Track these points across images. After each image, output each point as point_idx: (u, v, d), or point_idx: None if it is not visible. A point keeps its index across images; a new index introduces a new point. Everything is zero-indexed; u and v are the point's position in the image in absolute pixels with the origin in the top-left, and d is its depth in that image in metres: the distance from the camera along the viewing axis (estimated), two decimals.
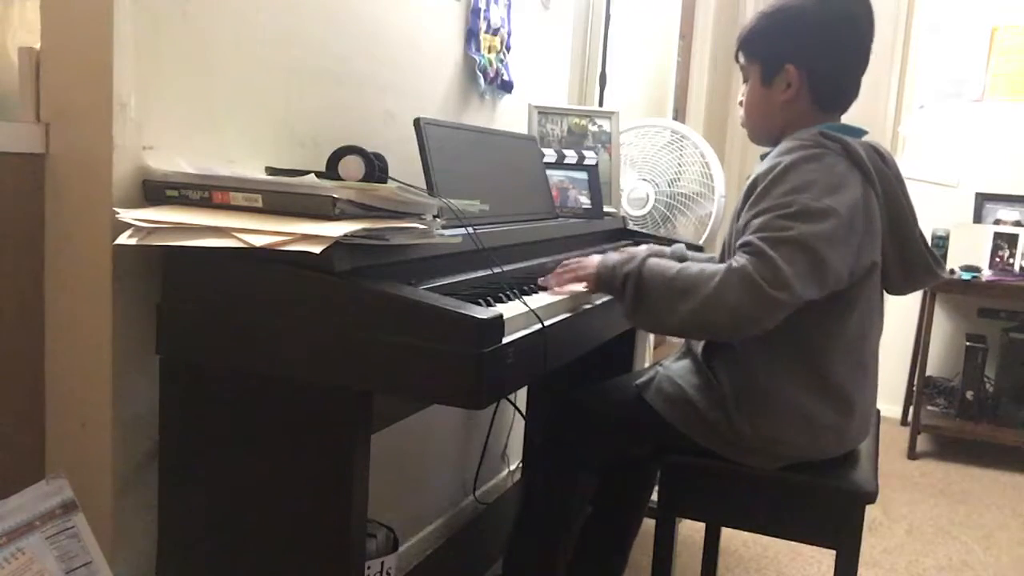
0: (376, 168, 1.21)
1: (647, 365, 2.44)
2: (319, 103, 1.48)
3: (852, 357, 1.39)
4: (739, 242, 1.27)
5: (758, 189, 1.31)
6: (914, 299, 3.63)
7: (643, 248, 1.34)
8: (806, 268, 1.22)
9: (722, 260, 1.46)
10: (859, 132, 1.41)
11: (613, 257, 1.36)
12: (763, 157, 1.46)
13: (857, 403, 1.40)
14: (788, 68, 1.41)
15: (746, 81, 1.51)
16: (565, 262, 1.43)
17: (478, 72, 1.98)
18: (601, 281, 1.35)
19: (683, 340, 1.55)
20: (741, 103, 1.53)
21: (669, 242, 1.86)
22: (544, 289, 1.39)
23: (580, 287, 1.39)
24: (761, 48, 1.46)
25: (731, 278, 1.21)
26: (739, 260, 1.23)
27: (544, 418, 1.62)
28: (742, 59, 1.50)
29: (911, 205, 1.43)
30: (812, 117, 1.43)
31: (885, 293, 1.47)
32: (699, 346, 1.48)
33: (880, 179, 1.37)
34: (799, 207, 1.24)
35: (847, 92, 1.44)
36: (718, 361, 1.43)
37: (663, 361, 1.58)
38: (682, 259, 1.71)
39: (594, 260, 1.38)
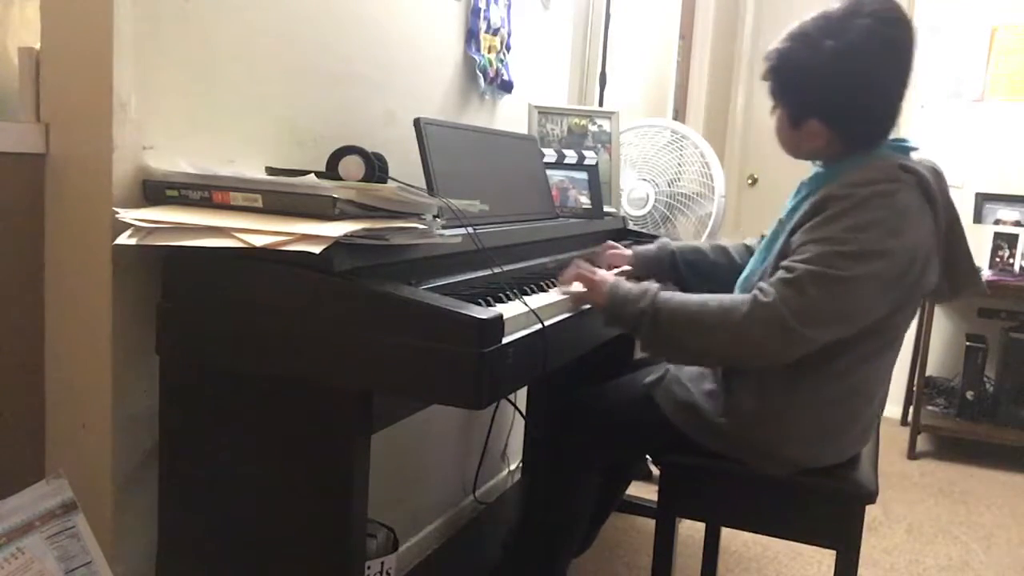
0: (376, 168, 1.21)
1: None
2: (319, 103, 1.48)
3: (879, 368, 1.39)
4: (784, 263, 1.25)
5: (826, 212, 1.25)
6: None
7: (651, 284, 1.33)
8: (841, 310, 1.22)
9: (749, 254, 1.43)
10: (911, 149, 1.36)
11: (623, 287, 1.32)
12: (822, 168, 1.40)
13: (870, 411, 1.41)
14: (813, 122, 1.33)
15: (775, 108, 1.40)
16: (577, 263, 1.42)
17: (478, 72, 1.98)
18: (610, 314, 1.32)
19: None
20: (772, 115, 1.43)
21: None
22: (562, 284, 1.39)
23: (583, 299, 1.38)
24: (786, 92, 1.36)
25: (759, 313, 1.20)
26: (769, 293, 1.21)
27: (547, 417, 1.61)
28: (768, 86, 1.40)
29: (960, 222, 1.39)
30: (848, 153, 1.35)
31: None
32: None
33: (944, 205, 1.33)
34: (858, 247, 1.21)
35: (885, 125, 1.34)
36: (730, 376, 1.41)
37: None
38: (665, 250, 1.69)
39: (604, 287, 1.34)
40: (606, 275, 1.38)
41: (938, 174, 1.35)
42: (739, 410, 1.37)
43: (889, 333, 1.35)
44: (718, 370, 1.43)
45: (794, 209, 1.37)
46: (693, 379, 1.45)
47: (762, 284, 1.26)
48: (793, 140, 1.40)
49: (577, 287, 1.37)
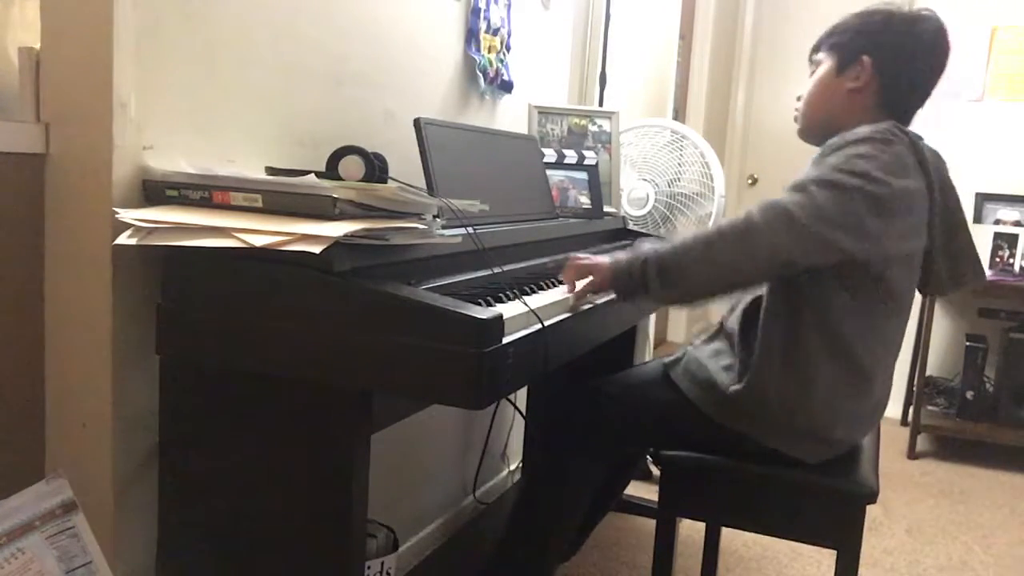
0: (376, 168, 1.21)
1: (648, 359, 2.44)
2: (319, 103, 1.48)
3: (882, 340, 1.41)
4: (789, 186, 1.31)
5: (825, 151, 1.33)
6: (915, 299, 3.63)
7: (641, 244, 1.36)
8: (846, 214, 1.25)
9: None
10: (919, 138, 1.42)
11: (619, 257, 1.36)
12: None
13: (876, 392, 1.43)
14: (863, 59, 1.43)
15: (812, 75, 1.51)
16: (573, 256, 1.43)
17: (478, 72, 1.98)
18: (616, 278, 1.35)
19: (714, 322, 1.56)
20: (799, 98, 1.53)
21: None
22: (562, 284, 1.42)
23: (591, 288, 1.39)
24: (843, 40, 1.47)
25: (761, 214, 1.25)
26: (771, 199, 1.27)
27: (557, 405, 1.61)
28: (821, 53, 1.50)
29: (962, 208, 1.47)
30: (873, 116, 1.43)
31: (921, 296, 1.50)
32: (733, 326, 1.49)
33: (939, 179, 1.41)
34: (861, 170, 1.28)
35: (912, 102, 1.47)
36: (750, 339, 1.43)
37: (694, 341, 1.59)
38: None
39: (605, 267, 1.37)
40: (600, 258, 1.40)
41: (937, 155, 1.44)
42: (753, 373, 1.39)
43: (883, 292, 1.37)
44: (735, 344, 1.45)
45: None
46: (710, 357, 1.48)
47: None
48: (831, 92, 1.47)
49: (582, 282, 1.38)
